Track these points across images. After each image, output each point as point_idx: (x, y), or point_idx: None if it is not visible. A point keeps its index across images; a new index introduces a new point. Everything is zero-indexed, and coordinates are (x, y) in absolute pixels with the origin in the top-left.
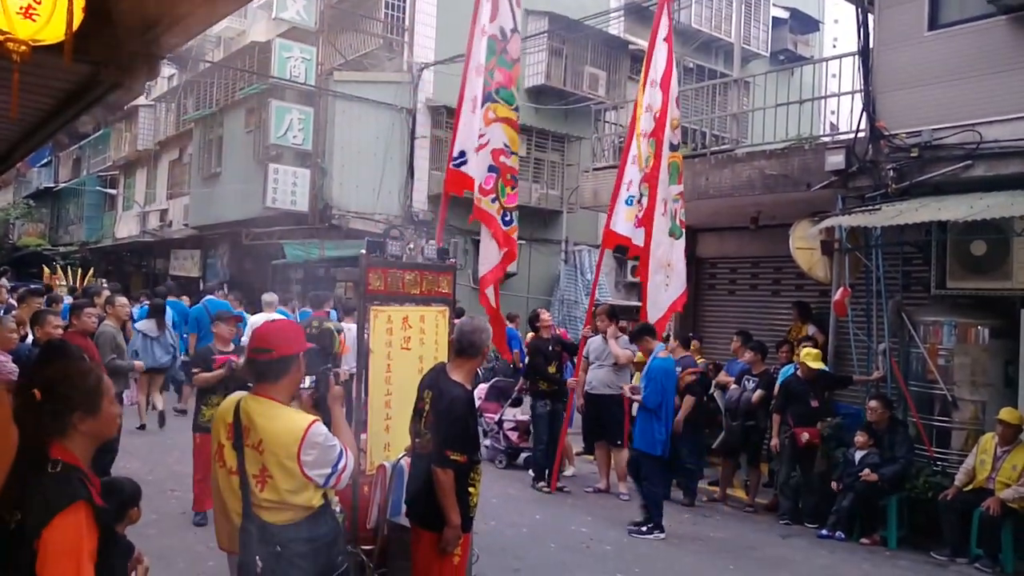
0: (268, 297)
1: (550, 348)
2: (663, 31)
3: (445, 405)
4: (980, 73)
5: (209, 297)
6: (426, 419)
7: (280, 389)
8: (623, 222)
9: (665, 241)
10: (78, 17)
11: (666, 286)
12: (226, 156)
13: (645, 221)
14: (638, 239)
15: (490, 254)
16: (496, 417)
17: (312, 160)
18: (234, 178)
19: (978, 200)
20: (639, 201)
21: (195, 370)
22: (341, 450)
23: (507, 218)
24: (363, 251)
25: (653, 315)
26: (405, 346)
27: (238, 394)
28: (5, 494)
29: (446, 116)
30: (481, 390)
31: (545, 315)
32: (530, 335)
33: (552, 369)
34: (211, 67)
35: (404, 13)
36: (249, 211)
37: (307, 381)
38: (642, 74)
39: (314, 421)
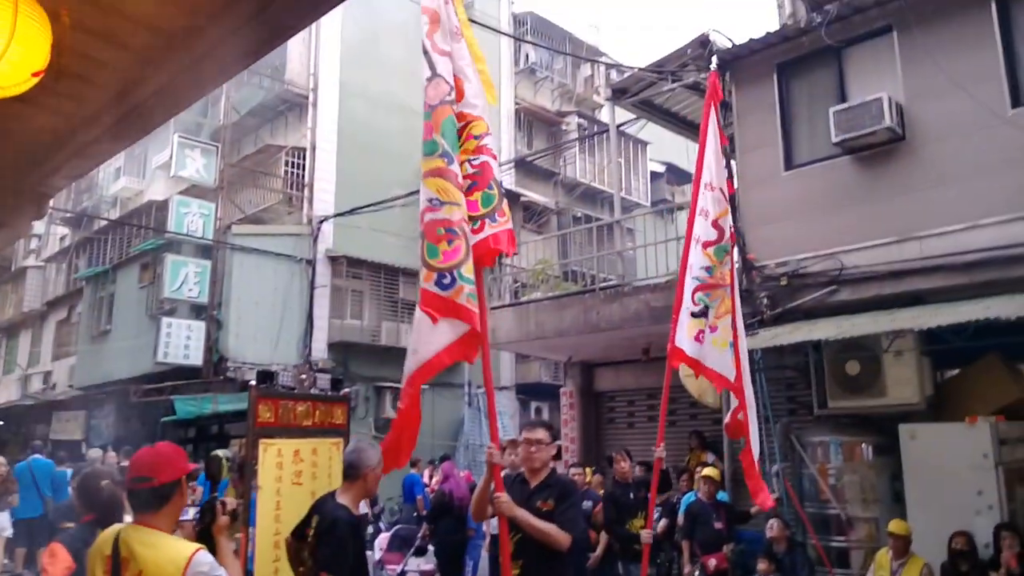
0: (93, 453)
1: (631, 495)
2: (714, 132)
3: (326, 527)
4: (835, 206)
5: (35, 456)
6: (311, 546)
7: (162, 517)
8: (687, 339)
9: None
10: None
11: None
12: (117, 313)
13: (737, 342)
14: (706, 359)
15: (422, 335)
16: (398, 569)
17: (207, 312)
18: (124, 335)
19: (845, 321)
20: (704, 314)
21: None
22: None
23: (445, 280)
24: (252, 382)
25: (755, 452)
26: (296, 481)
27: (118, 525)
28: None
29: (346, 266)
30: (383, 539)
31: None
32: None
33: (639, 523)
34: (106, 225)
35: (304, 170)
36: (139, 368)
37: (191, 512)
38: (694, 177)
39: (198, 549)
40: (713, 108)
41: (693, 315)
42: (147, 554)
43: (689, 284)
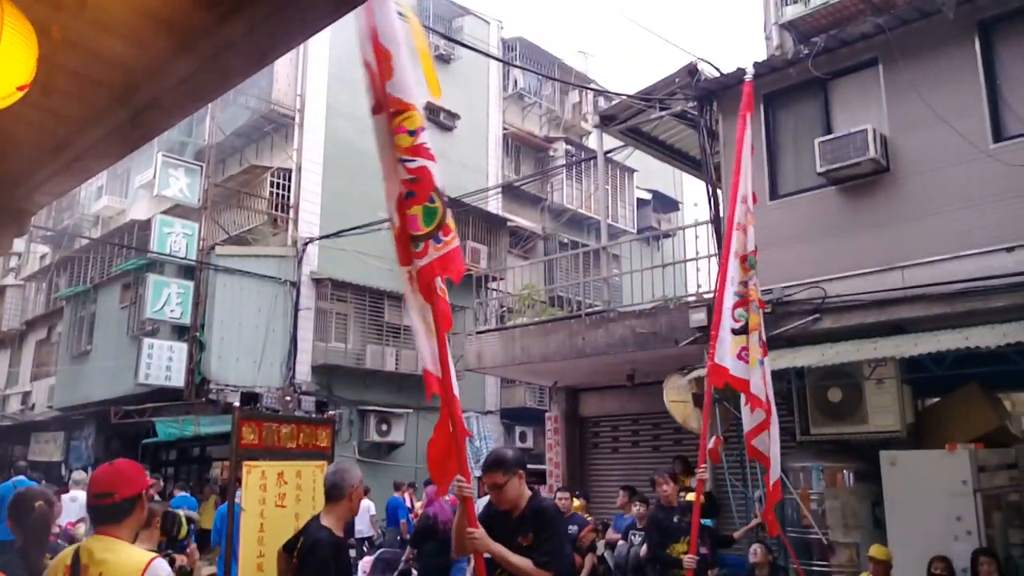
0: (77, 475)
1: (675, 520)
2: (748, 144)
3: (307, 549)
4: (819, 236)
5: (20, 477)
6: (295, 567)
7: (123, 529)
8: (730, 357)
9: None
10: None
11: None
12: (98, 333)
13: (765, 359)
14: (748, 375)
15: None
16: None
17: (190, 334)
18: (105, 355)
19: (828, 349)
20: (744, 331)
21: None
22: None
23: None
24: (236, 403)
25: (774, 476)
26: (280, 503)
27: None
28: None
29: (331, 288)
30: (367, 563)
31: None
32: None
33: (681, 548)
34: (87, 244)
35: (289, 191)
36: (120, 389)
37: None
38: (731, 190)
39: (156, 556)
40: (748, 119)
41: (734, 332)
42: (108, 557)
43: (729, 300)
